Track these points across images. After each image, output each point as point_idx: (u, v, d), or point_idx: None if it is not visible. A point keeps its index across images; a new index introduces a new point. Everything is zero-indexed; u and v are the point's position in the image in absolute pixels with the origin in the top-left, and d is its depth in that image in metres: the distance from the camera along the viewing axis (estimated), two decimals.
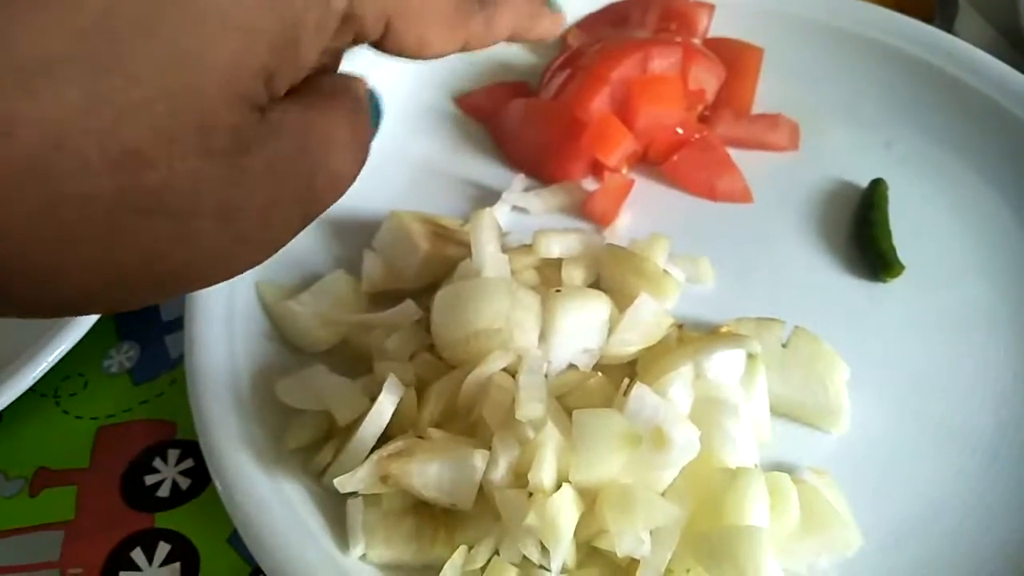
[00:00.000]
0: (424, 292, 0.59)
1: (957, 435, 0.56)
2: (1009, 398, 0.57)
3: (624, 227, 0.68)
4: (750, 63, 0.76)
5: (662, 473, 0.47)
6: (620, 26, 0.78)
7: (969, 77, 0.73)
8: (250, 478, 0.50)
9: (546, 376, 0.52)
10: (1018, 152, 0.69)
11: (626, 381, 0.51)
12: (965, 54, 0.74)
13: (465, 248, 0.59)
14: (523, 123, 0.71)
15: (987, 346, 0.60)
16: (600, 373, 0.54)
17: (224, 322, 0.58)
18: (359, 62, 0.74)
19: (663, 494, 0.47)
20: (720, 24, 0.78)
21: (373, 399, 0.51)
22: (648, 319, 0.54)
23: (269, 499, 0.50)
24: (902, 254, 0.64)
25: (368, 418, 0.49)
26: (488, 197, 0.69)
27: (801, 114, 0.73)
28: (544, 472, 0.46)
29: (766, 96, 0.75)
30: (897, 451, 0.55)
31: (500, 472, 0.47)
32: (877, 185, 0.69)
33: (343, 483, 0.48)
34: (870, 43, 0.76)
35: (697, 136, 0.70)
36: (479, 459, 0.47)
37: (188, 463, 0.58)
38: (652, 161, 0.71)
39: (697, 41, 0.75)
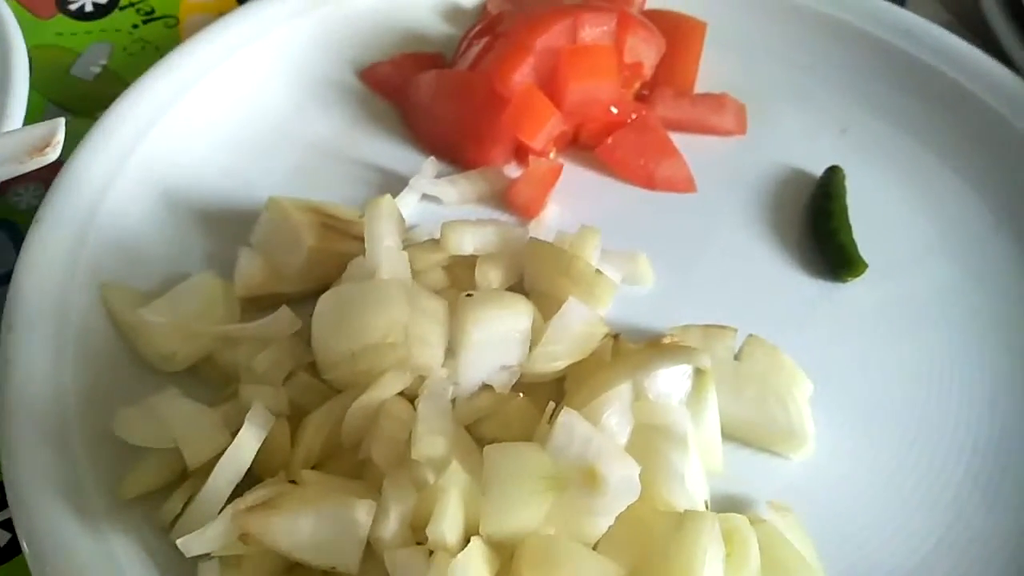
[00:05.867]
0: (311, 297, 0.49)
1: (936, 455, 0.48)
2: (991, 404, 0.50)
3: (551, 219, 0.59)
4: (693, 37, 0.67)
5: (595, 520, 0.39)
6: None
7: (930, 57, 0.66)
8: (69, 537, 0.39)
9: (453, 401, 0.42)
10: (983, 136, 0.63)
11: (551, 405, 0.42)
12: (926, 32, 0.67)
13: (361, 243, 0.49)
14: (435, 98, 0.62)
15: (964, 345, 0.53)
16: (521, 394, 0.45)
17: (54, 333, 0.47)
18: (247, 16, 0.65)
19: (596, 547, 0.39)
20: None
21: (235, 433, 0.40)
22: (578, 328, 0.45)
23: (94, 565, 0.39)
24: (863, 249, 0.57)
25: (223, 460, 0.39)
26: (394, 184, 0.59)
27: (749, 95, 0.66)
28: (447, 525, 0.37)
29: (710, 74, 0.67)
30: (868, 477, 0.48)
31: (391, 526, 0.38)
32: (834, 173, 0.61)
33: (190, 543, 0.38)
34: (824, 19, 0.69)
35: (634, 116, 0.62)
36: (363, 511, 0.37)
37: (6, 514, 0.46)
38: (583, 144, 0.62)
39: (634, 10, 0.67)
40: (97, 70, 0.70)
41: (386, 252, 0.46)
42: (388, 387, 0.41)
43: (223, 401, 0.44)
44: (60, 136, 0.46)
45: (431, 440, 0.38)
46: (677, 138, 0.63)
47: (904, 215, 0.60)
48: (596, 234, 0.51)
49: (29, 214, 0.60)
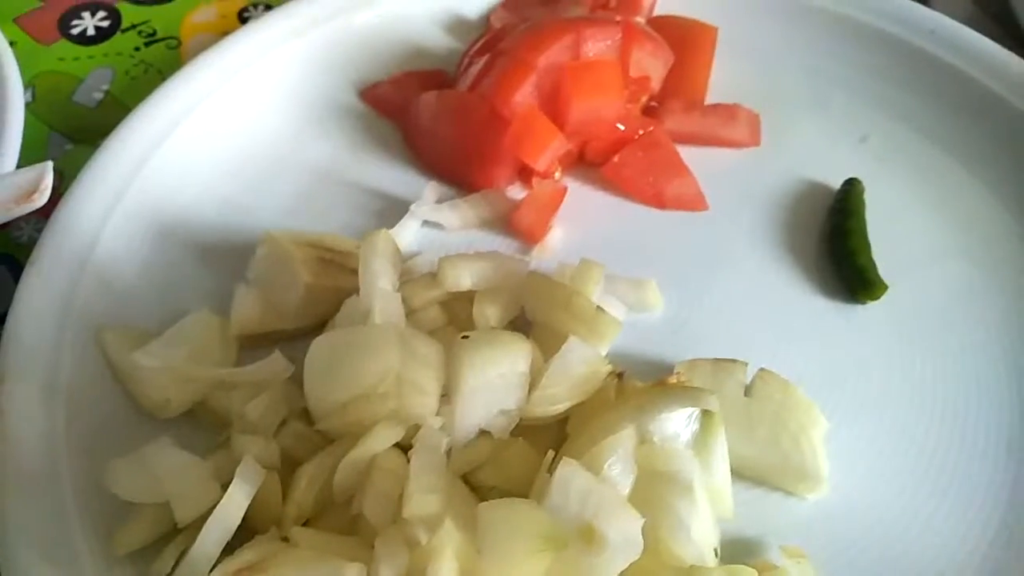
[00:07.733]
0: (309, 334, 0.48)
1: (961, 493, 0.46)
2: (1018, 442, 0.48)
3: (556, 242, 0.57)
4: (703, 45, 0.65)
5: None
6: (552, 4, 0.67)
7: (955, 58, 0.63)
8: None
9: (450, 451, 0.41)
10: (1012, 142, 0.60)
11: (551, 454, 0.40)
12: (950, 32, 0.64)
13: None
14: (435, 120, 0.60)
15: (991, 371, 0.50)
16: (521, 438, 0.43)
17: (47, 381, 0.46)
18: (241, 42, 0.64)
19: None
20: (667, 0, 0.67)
21: (227, 486, 0.39)
22: (579, 369, 0.44)
23: None
24: (883, 262, 0.54)
25: (212, 518, 0.38)
26: (396, 209, 0.57)
27: (763, 103, 0.63)
28: None
29: (722, 82, 0.64)
30: (887, 519, 0.45)
31: None
32: (852, 186, 0.58)
33: None
34: (842, 20, 0.66)
35: (641, 132, 0.60)
36: (353, 574, 0.36)
37: None
38: (589, 163, 0.60)
39: (640, 20, 0.64)
40: (99, 96, 0.69)
41: (380, 293, 0.44)
42: (380, 440, 0.40)
43: (216, 449, 0.43)
44: (48, 182, 0.45)
45: (423, 498, 0.37)
46: (688, 152, 0.61)
47: (927, 226, 0.57)
48: (598, 268, 0.49)
49: (30, 248, 0.60)
